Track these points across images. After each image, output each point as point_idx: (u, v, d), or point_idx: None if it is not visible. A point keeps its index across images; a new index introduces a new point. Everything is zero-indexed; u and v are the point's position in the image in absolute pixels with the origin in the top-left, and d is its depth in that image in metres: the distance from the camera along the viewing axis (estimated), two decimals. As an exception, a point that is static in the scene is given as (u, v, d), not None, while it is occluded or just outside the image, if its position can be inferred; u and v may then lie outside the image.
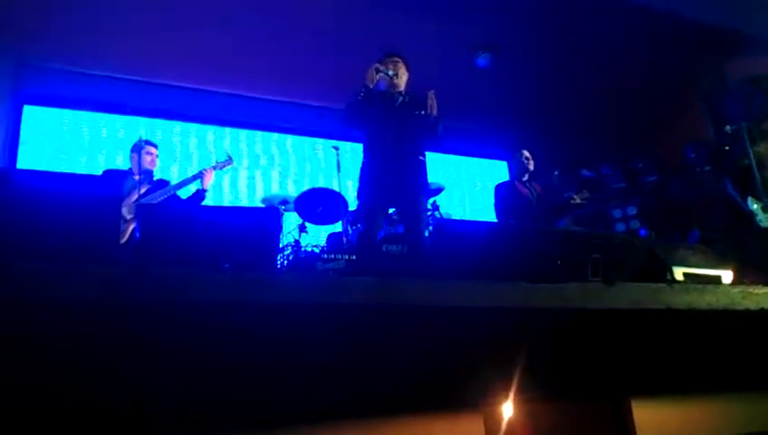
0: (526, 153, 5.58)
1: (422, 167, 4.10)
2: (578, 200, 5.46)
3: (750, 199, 5.85)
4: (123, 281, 2.06)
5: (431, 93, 4.02)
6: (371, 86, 4.01)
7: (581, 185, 6.25)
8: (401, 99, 4.16)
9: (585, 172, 6.44)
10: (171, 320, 2.20)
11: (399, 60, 4.20)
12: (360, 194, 4.07)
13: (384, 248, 4.38)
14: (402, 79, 4.19)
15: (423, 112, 4.01)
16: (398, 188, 3.96)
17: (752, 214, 5.80)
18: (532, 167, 5.54)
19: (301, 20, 6.21)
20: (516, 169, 5.65)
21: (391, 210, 4.67)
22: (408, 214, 4.04)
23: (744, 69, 7.42)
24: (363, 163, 4.14)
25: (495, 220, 5.46)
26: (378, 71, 4.05)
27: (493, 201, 5.55)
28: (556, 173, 5.46)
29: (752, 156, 5.24)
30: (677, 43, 7.07)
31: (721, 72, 7.68)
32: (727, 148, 7.00)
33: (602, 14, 6.47)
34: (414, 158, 4.07)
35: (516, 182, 5.57)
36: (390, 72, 4.09)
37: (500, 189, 5.58)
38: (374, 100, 4.04)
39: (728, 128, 5.80)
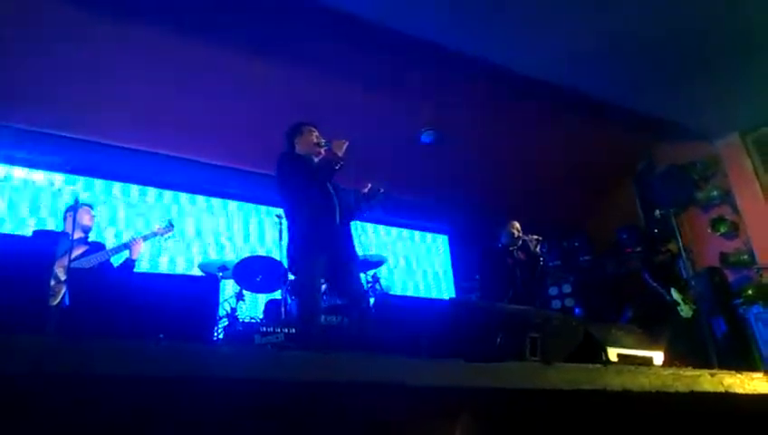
0: (517, 225, 5.82)
1: (352, 237, 4.15)
2: (534, 237, 5.72)
3: (673, 290, 6.06)
4: (46, 353, 1.95)
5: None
6: (316, 159, 4.09)
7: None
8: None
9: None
10: (100, 395, 2.08)
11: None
12: (302, 261, 3.93)
13: (324, 320, 4.33)
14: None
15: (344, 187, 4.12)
16: (339, 258, 3.95)
17: (674, 303, 6.00)
18: (520, 237, 5.81)
19: (249, 90, 6.28)
20: (506, 238, 5.89)
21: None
22: (348, 285, 4.01)
23: (673, 155, 7.86)
24: (300, 233, 3.99)
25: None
26: (319, 144, 4.13)
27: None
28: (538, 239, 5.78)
29: (681, 245, 5.48)
30: (612, 128, 7.46)
31: (651, 158, 8.12)
32: (656, 231, 7.32)
33: (542, 99, 6.79)
34: (349, 228, 4.11)
35: (504, 250, 5.85)
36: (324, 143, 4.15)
37: (487, 255, 5.94)
38: (315, 170, 4.08)
39: (657, 213, 6.09)
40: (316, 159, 4.14)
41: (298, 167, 4.05)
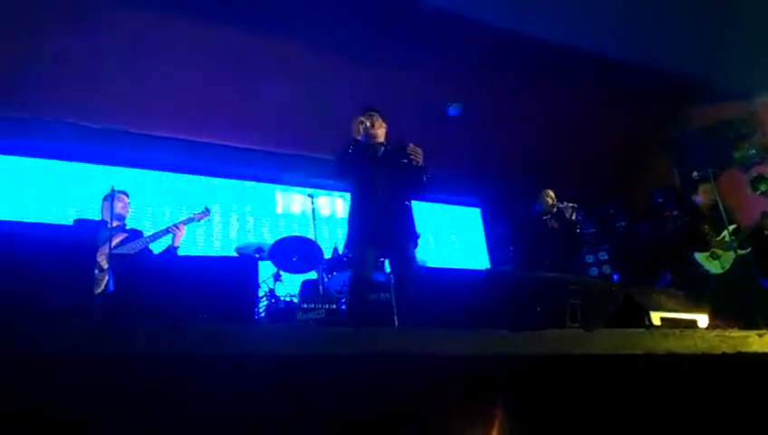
0: (551, 193, 5.78)
1: (409, 214, 4.16)
2: (569, 205, 5.68)
3: (697, 254, 5.84)
4: (93, 334, 1.99)
5: (411, 145, 4.09)
6: (358, 138, 4.08)
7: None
8: (382, 149, 4.24)
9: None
10: (146, 374, 2.12)
11: (376, 113, 4.30)
12: (350, 243, 4.15)
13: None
14: (380, 131, 4.27)
15: (406, 161, 4.08)
16: (387, 237, 3.99)
17: (699, 265, 5.80)
18: (555, 205, 5.78)
19: (278, 71, 6.27)
20: (540, 207, 5.91)
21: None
22: (396, 262, 4.07)
23: (709, 116, 7.66)
24: (351, 213, 4.21)
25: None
26: (361, 123, 4.12)
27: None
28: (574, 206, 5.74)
29: (719, 201, 5.31)
30: (645, 92, 7.29)
31: (686, 119, 7.92)
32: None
33: (572, 66, 6.66)
34: (401, 206, 4.11)
35: (537, 219, 5.88)
36: (368, 124, 4.17)
37: (521, 226, 6.05)
38: (359, 151, 4.11)
39: (695, 174, 5.92)
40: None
41: (336, 163, 4.19)
